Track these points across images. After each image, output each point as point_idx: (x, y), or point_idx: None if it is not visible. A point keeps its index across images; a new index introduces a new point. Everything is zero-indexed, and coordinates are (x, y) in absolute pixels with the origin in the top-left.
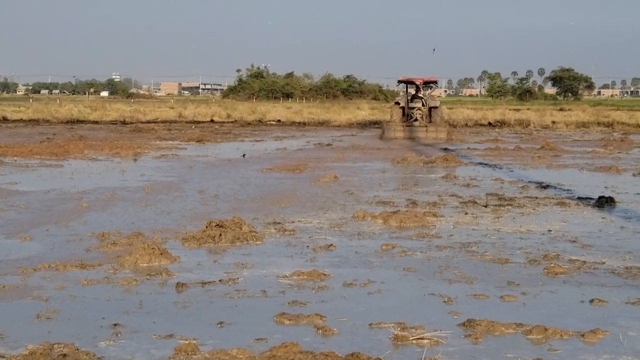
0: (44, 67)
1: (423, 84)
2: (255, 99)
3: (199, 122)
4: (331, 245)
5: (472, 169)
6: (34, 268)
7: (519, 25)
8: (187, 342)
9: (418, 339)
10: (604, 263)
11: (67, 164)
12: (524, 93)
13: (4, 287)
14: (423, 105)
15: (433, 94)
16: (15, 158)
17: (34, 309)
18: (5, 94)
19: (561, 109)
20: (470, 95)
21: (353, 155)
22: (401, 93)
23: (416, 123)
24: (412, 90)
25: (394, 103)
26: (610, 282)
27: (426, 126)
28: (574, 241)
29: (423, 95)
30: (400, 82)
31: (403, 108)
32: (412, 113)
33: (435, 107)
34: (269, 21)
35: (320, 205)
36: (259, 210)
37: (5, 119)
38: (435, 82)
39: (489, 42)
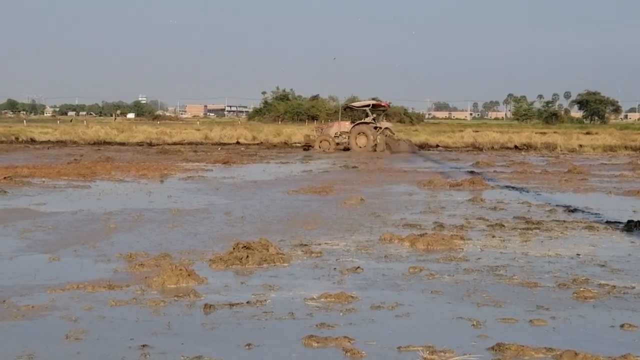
0: (71, 89)
1: (372, 107)
2: (281, 121)
3: (224, 144)
4: (358, 267)
5: (498, 192)
6: (62, 288)
7: (545, 48)
8: None
9: None
10: (634, 288)
11: (95, 185)
12: (550, 116)
13: (32, 307)
14: (376, 125)
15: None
16: (43, 179)
17: (62, 329)
18: (32, 116)
19: (588, 133)
20: (496, 119)
21: (379, 177)
22: (370, 115)
23: (390, 140)
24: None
25: (355, 125)
26: None
27: (398, 140)
28: (603, 265)
29: (373, 117)
30: (364, 105)
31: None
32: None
33: (387, 128)
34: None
35: (347, 228)
36: (285, 232)
37: (33, 141)
38: (384, 106)
39: (515, 65)
